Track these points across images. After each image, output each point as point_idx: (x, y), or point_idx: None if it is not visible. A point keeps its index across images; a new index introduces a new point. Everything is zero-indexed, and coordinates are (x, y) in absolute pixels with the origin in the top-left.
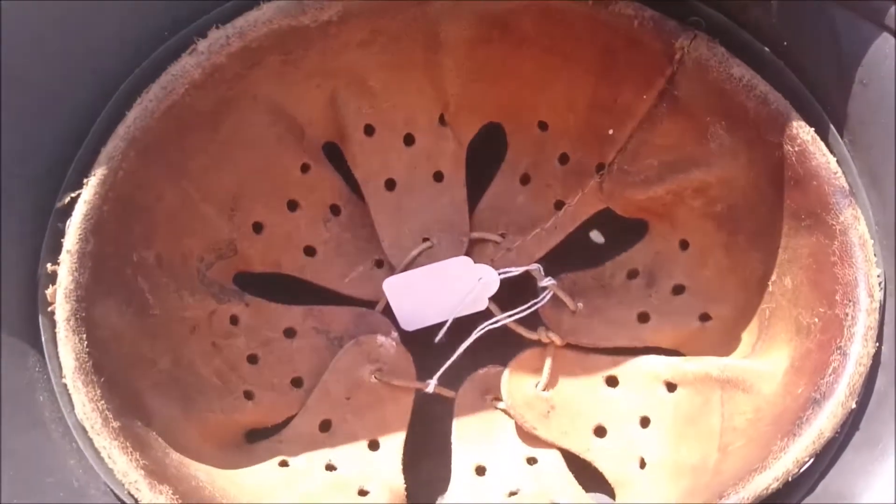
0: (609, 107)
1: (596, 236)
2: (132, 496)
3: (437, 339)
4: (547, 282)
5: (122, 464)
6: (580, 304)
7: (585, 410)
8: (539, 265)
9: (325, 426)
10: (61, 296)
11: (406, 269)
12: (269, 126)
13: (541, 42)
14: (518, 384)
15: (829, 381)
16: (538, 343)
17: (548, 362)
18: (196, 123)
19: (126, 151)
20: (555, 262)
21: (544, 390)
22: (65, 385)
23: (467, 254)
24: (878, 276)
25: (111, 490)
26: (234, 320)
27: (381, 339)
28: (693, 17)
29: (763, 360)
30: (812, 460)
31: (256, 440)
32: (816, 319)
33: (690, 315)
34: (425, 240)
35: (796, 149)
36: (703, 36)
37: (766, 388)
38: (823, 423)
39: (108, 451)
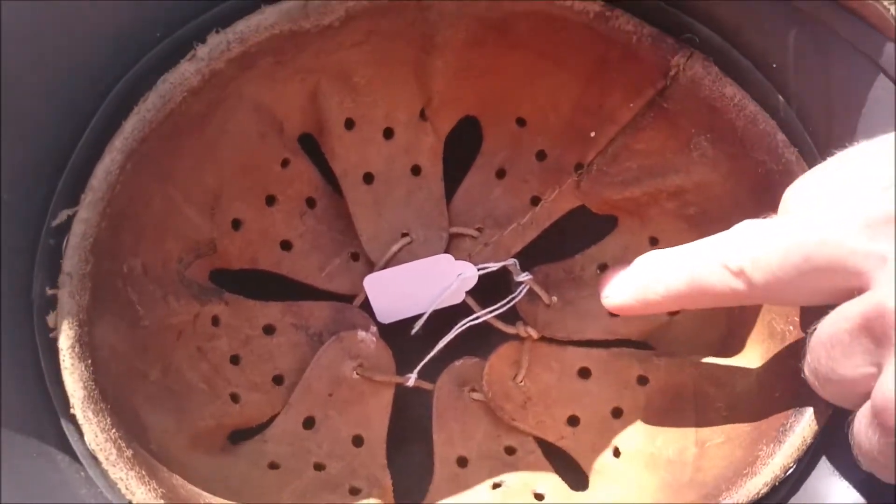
0: (593, 110)
1: None
2: None
3: (414, 331)
4: (524, 276)
5: (140, 494)
6: (554, 298)
7: (560, 401)
8: (515, 260)
9: (309, 423)
10: (64, 323)
11: (387, 264)
12: (253, 123)
13: (535, 46)
14: (497, 376)
15: (808, 388)
16: (515, 337)
17: (525, 355)
18: (187, 128)
19: (123, 164)
20: (524, 253)
21: (521, 382)
22: (71, 415)
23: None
24: None
25: None
26: (215, 321)
27: (361, 334)
28: (687, 34)
29: (734, 358)
30: (795, 465)
31: (238, 441)
32: (791, 327)
33: None
34: (404, 235)
35: (780, 167)
36: (699, 55)
37: (739, 385)
38: (805, 430)
39: (126, 483)
